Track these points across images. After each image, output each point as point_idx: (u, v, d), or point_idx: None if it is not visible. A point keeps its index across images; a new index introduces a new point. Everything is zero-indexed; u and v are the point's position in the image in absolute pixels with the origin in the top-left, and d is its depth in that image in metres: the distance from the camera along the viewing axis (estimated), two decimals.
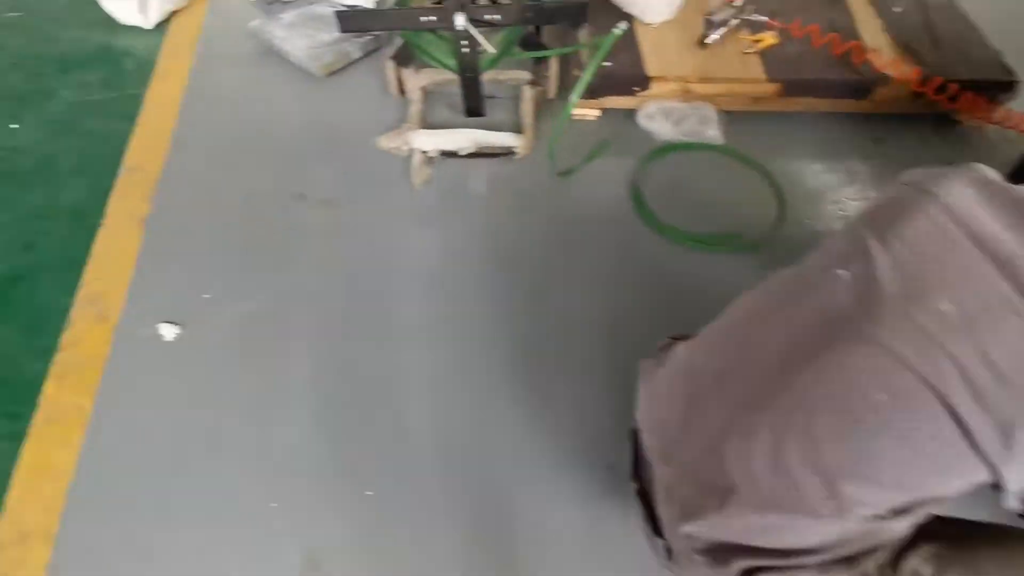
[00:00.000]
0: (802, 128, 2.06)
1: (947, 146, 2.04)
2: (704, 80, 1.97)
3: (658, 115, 1.99)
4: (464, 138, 1.90)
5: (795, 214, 1.83)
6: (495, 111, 2.02)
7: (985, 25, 2.17)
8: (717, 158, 1.97)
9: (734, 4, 1.98)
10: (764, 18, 2.04)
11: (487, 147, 1.91)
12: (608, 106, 2.04)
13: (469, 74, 1.76)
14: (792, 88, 1.98)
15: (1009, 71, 2.00)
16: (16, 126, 1.98)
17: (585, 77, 1.60)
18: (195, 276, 1.60)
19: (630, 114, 2.04)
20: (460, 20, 1.57)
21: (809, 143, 2.03)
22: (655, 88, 1.99)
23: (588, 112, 2.06)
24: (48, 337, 1.48)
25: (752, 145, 1.99)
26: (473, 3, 1.58)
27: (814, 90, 2.00)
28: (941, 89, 1.93)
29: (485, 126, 1.96)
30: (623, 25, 1.56)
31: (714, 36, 1.99)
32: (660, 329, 1.54)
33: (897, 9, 2.24)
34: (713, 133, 1.97)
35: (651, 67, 1.99)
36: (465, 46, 1.67)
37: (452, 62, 1.78)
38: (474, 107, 1.89)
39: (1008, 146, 2.02)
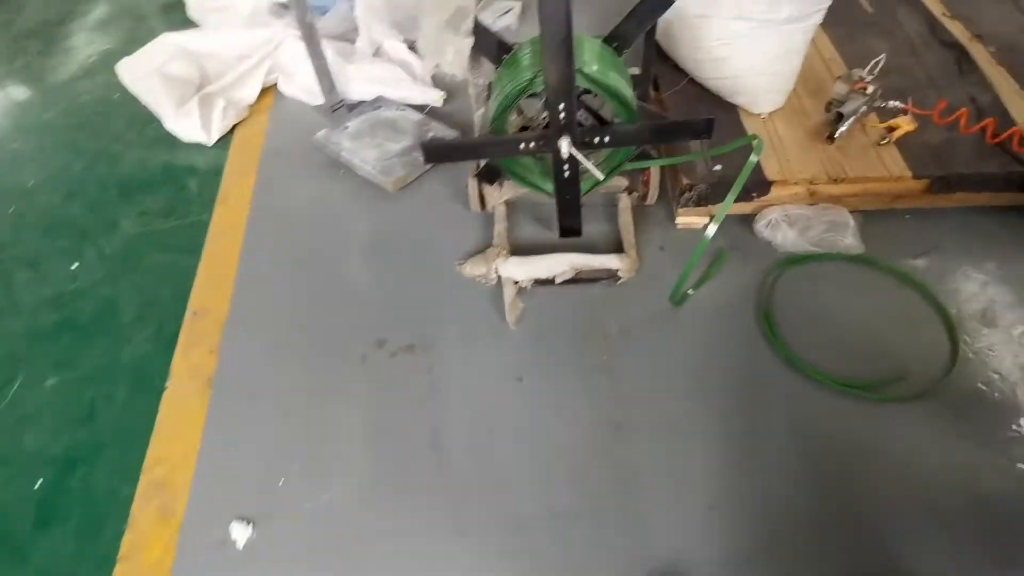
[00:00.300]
0: (954, 227, 1.74)
1: None
2: (835, 181, 1.69)
3: (780, 223, 1.72)
4: (560, 263, 1.66)
5: (966, 343, 1.51)
6: (587, 220, 1.78)
7: None
8: (858, 270, 1.67)
9: (866, 91, 1.71)
10: (901, 104, 1.76)
11: (587, 271, 1.67)
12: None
13: (569, 197, 1.54)
14: (942, 184, 1.69)
15: None
16: (76, 265, 1.86)
17: (725, 205, 1.35)
18: (267, 454, 1.39)
19: (746, 220, 1.78)
20: (565, 147, 1.35)
21: (966, 246, 1.71)
22: (776, 192, 1.72)
23: (695, 220, 1.80)
24: (106, 542, 1.28)
25: (898, 251, 1.69)
26: (581, 126, 1.36)
27: (969, 185, 1.69)
28: None
29: (579, 243, 1.72)
30: (758, 148, 1.31)
31: (843, 129, 1.72)
32: (827, 515, 1.23)
33: None
34: (850, 241, 1.68)
35: (771, 169, 1.72)
36: (567, 170, 1.45)
37: (550, 185, 1.56)
38: (571, 228, 1.66)
39: None
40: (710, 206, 1.75)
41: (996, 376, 1.45)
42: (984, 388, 1.43)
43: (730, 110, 1.91)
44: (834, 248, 1.69)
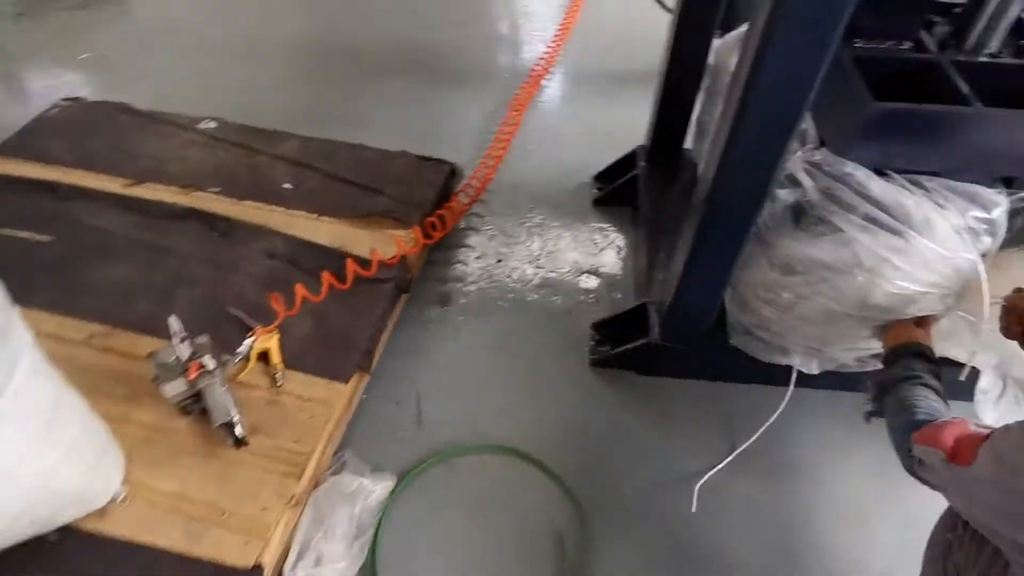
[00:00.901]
0: (421, 369, 1.52)
1: (464, 252, 1.84)
2: (299, 477, 1.18)
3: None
4: None
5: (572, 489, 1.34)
6: None
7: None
8: (432, 485, 1.30)
9: (210, 368, 1.17)
10: (248, 341, 1.30)
11: None
12: None
13: None
14: (366, 359, 1.40)
15: (440, 161, 1.88)
16: None
17: None
18: None
19: None
20: None
21: (426, 369, 1.53)
22: (267, 556, 1.10)
23: None
24: None
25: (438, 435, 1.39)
26: None
27: (380, 334, 1.46)
28: (434, 226, 1.69)
29: None
30: None
31: (239, 428, 1.16)
32: None
33: (288, 186, 1.79)
34: (384, 485, 1.27)
35: (232, 552, 1.07)
36: None
37: None
38: None
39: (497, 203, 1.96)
40: None
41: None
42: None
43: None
44: (380, 513, 1.25)
